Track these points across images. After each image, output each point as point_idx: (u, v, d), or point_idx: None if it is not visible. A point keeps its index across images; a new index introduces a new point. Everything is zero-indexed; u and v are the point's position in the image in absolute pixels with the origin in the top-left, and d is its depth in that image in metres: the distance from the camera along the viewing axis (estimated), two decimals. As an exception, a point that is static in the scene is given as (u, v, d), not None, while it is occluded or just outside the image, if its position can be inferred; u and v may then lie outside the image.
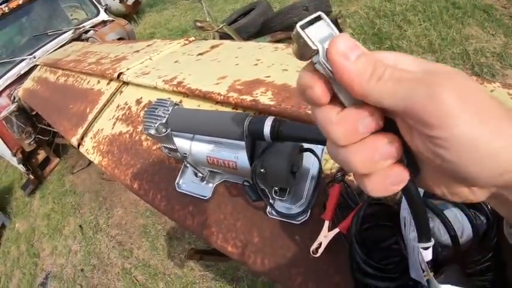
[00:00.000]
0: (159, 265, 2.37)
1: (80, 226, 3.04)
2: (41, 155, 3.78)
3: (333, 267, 0.65)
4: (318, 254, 0.64)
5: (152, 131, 0.73)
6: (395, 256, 0.53)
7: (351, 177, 0.69)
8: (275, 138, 0.54)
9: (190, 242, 2.29)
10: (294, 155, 0.63)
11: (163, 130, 0.72)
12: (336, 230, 0.63)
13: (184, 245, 2.30)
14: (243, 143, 0.60)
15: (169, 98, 0.76)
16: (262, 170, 0.61)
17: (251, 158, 0.62)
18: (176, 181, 0.87)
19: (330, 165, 0.73)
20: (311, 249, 0.64)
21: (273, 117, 0.54)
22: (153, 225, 2.61)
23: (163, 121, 0.72)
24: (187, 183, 0.87)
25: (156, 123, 0.72)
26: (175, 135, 0.74)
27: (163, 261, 2.37)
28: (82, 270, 2.74)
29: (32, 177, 3.72)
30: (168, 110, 0.72)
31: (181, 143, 0.75)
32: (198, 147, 0.72)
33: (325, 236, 0.64)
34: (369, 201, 0.54)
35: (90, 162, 3.46)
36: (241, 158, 0.64)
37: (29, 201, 3.79)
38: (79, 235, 2.99)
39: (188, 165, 0.78)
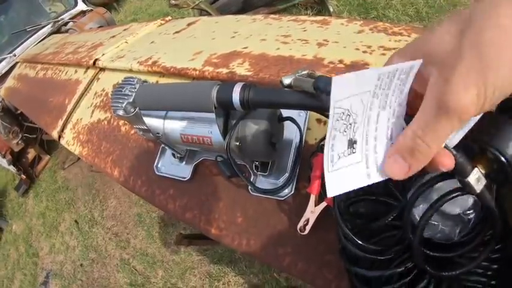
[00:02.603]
0: (156, 253, 2.35)
1: (76, 221, 3.01)
2: (31, 153, 3.72)
3: (323, 245, 0.60)
4: (306, 232, 0.60)
5: (120, 112, 0.68)
6: (392, 236, 0.48)
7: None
8: (246, 106, 0.48)
9: (185, 227, 2.26)
10: (272, 124, 0.57)
11: (131, 110, 0.66)
12: (323, 204, 0.58)
13: (180, 231, 2.27)
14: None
15: (137, 77, 0.71)
16: (237, 143, 0.56)
17: (224, 131, 0.57)
18: (155, 164, 0.82)
19: (316, 134, 0.68)
20: (298, 227, 0.60)
21: (242, 83, 0.49)
22: (147, 213, 2.58)
23: (131, 100, 0.66)
24: (167, 165, 0.82)
25: (123, 103, 0.67)
26: (146, 114, 0.69)
27: (160, 249, 2.35)
28: (81, 265, 2.72)
29: (24, 177, 3.67)
30: (135, 88, 0.67)
31: (154, 123, 0.69)
32: (171, 125, 0.67)
33: (312, 212, 0.60)
34: None
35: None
36: (215, 132, 0.59)
37: (24, 202, 3.75)
38: (75, 230, 2.96)
39: (164, 145, 0.73)
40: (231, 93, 0.48)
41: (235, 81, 0.50)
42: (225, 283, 2.04)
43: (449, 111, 0.25)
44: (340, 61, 0.78)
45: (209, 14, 2.45)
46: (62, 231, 3.09)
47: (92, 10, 3.68)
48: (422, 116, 0.28)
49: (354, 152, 0.31)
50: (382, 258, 0.44)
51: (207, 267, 2.12)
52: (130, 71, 1.16)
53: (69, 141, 1.28)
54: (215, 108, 0.51)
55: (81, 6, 3.69)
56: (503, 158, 0.31)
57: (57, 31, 3.42)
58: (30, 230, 3.41)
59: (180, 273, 2.18)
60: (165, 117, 0.69)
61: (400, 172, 0.30)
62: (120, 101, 0.67)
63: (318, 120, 0.69)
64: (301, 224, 0.59)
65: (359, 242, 0.43)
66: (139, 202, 2.67)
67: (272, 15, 1.14)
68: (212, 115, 0.55)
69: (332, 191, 0.32)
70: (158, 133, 0.69)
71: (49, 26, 3.44)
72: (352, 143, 0.31)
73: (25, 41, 3.31)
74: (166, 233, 2.39)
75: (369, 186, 0.53)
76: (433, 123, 0.27)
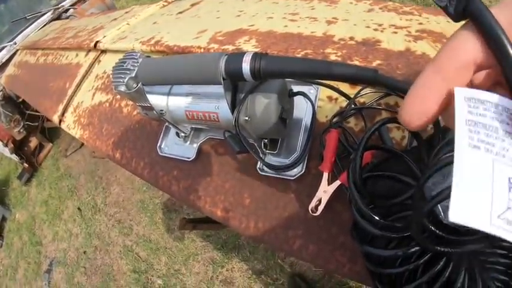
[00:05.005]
0: (159, 239, 2.34)
1: (79, 208, 3.01)
2: (33, 142, 3.70)
3: (336, 227, 0.57)
4: (318, 212, 0.57)
5: (122, 88, 0.64)
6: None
7: (349, 124, 0.62)
8: (257, 76, 0.45)
9: (189, 213, 2.25)
10: (283, 98, 0.54)
11: (134, 85, 0.63)
12: (337, 183, 0.55)
13: (183, 216, 2.27)
14: (222, 90, 0.52)
15: (139, 51, 0.67)
16: (246, 118, 0.53)
17: (233, 105, 0.54)
18: (158, 144, 0.79)
19: (327, 112, 0.65)
20: (310, 207, 0.57)
21: (253, 51, 0.46)
22: (150, 199, 2.56)
23: (133, 75, 0.63)
24: (170, 145, 0.79)
25: (125, 78, 0.64)
26: (149, 91, 0.66)
27: (163, 235, 2.34)
28: (85, 252, 2.72)
29: (26, 165, 3.66)
30: (138, 62, 0.64)
31: (157, 100, 0.66)
32: (175, 102, 0.64)
33: (325, 191, 0.57)
34: (366, 140, 0.42)
35: (82, 143, 3.39)
36: (222, 107, 0.56)
37: (26, 190, 3.75)
38: (78, 218, 2.95)
39: (167, 123, 0.70)
40: (241, 63, 0.45)
41: (244, 52, 0.47)
42: (229, 269, 2.03)
43: None
44: (351, 38, 0.75)
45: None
46: (65, 219, 3.09)
47: (92, -5, 3.62)
48: None
49: None
50: (396, 235, 0.42)
51: (211, 253, 2.11)
52: (133, 51, 1.13)
53: (70, 125, 1.25)
54: (223, 80, 0.48)
55: (82, -7, 3.64)
56: None
57: (58, 18, 3.38)
58: (33, 218, 3.41)
59: (184, 259, 2.17)
60: (169, 94, 0.66)
61: None
62: (122, 76, 0.64)
63: (329, 98, 0.66)
64: (313, 204, 0.57)
65: (373, 216, 0.41)
66: (142, 188, 2.66)
67: (278, -6, 1.10)
68: (219, 90, 0.52)
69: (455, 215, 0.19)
70: (162, 110, 0.66)
71: (49, 13, 3.41)
72: None
73: (25, 28, 3.29)
74: (170, 219, 2.38)
75: (387, 163, 0.50)
76: None
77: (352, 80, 0.40)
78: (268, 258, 1.96)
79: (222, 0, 1.25)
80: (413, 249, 0.42)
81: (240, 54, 0.46)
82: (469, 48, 0.21)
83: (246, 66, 0.45)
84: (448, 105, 0.22)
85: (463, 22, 0.23)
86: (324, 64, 0.40)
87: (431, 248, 0.39)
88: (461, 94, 0.20)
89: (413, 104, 0.22)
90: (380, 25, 0.77)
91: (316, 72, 0.39)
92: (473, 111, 0.20)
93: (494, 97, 0.21)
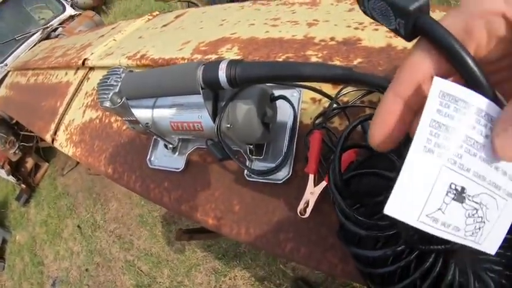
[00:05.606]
0: (161, 252, 2.34)
1: (78, 226, 3.00)
2: (29, 162, 3.71)
3: (325, 228, 0.58)
4: (307, 215, 0.57)
5: (107, 103, 0.65)
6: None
7: (333, 124, 0.62)
8: (234, 83, 0.46)
9: (188, 224, 2.25)
10: (264, 103, 0.55)
11: (118, 100, 0.64)
12: (323, 184, 0.56)
13: (183, 228, 2.27)
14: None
15: (122, 67, 0.68)
16: (228, 126, 0.53)
17: (214, 113, 0.55)
18: (148, 157, 0.80)
19: (311, 113, 0.66)
20: (298, 210, 0.57)
21: (229, 59, 0.46)
22: (149, 213, 2.56)
23: (117, 90, 0.64)
24: (160, 157, 0.79)
25: (109, 93, 0.64)
26: (134, 106, 0.66)
27: (164, 248, 2.34)
28: (87, 270, 2.71)
29: (24, 186, 3.66)
30: (121, 78, 0.65)
31: (142, 113, 0.67)
32: (160, 114, 0.65)
33: (312, 193, 0.57)
34: (342, 141, 0.41)
35: (78, 161, 3.39)
36: (204, 116, 0.57)
37: (25, 211, 3.74)
38: (78, 236, 2.95)
39: (155, 136, 0.71)
40: (217, 71, 0.46)
41: (221, 59, 0.47)
42: (232, 278, 2.03)
43: None
44: (332, 38, 0.75)
45: (197, 6, 2.43)
46: (65, 238, 3.08)
47: (80, 14, 3.66)
48: None
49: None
50: (381, 234, 0.42)
51: (212, 263, 2.11)
52: (120, 66, 1.14)
53: (63, 143, 1.26)
54: (202, 89, 0.49)
55: (70, 11, 3.68)
56: None
57: (47, 37, 3.42)
58: (33, 239, 3.40)
59: (186, 270, 2.17)
60: (153, 107, 0.66)
61: None
62: (106, 92, 0.65)
63: (313, 99, 0.67)
64: (301, 206, 0.57)
65: (357, 217, 0.41)
66: (140, 203, 2.66)
67: (260, 1, 1.11)
68: (200, 99, 0.52)
69: (389, 209, 0.21)
70: (147, 123, 0.66)
71: (38, 33, 3.44)
72: None
73: (16, 49, 3.32)
74: (169, 232, 2.38)
75: (371, 160, 0.51)
76: None
77: (325, 80, 0.41)
78: (270, 264, 1.95)
79: (205, 10, 1.26)
80: (400, 248, 0.42)
81: (216, 63, 0.47)
82: (426, 65, 0.21)
83: (222, 74, 0.45)
84: (413, 120, 0.22)
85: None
86: (297, 66, 0.41)
87: (417, 247, 0.39)
88: (439, 87, 0.20)
89: (378, 130, 0.22)
90: (361, 24, 0.78)
91: (288, 74, 0.40)
92: (443, 110, 0.20)
93: (471, 96, 0.20)
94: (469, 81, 0.20)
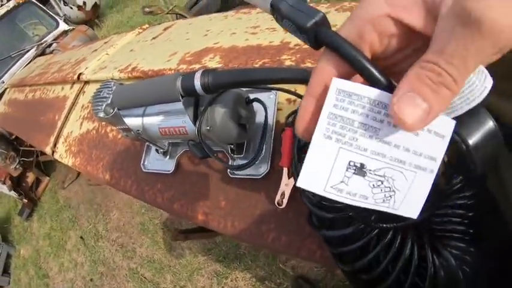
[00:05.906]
0: (163, 258, 2.38)
1: (81, 237, 3.05)
2: (30, 177, 3.76)
3: (303, 217, 0.63)
4: (284, 205, 0.63)
5: (101, 114, 0.72)
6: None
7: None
8: (208, 90, 0.52)
9: (187, 227, 2.30)
10: (240, 106, 0.61)
11: (110, 110, 0.70)
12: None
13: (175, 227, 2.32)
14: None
15: (114, 80, 0.75)
16: (208, 128, 0.59)
17: (195, 117, 0.61)
18: (141, 162, 0.86)
19: (287, 112, 0.71)
20: (276, 201, 0.63)
21: (202, 69, 0.53)
22: (150, 220, 2.61)
23: (109, 101, 0.70)
24: (152, 161, 0.86)
25: (102, 105, 0.71)
26: (126, 115, 0.73)
27: (166, 254, 2.38)
28: (91, 280, 2.75)
29: (26, 201, 3.70)
30: (112, 90, 0.71)
31: (133, 121, 0.73)
32: (149, 121, 0.71)
33: (287, 185, 0.63)
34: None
35: (78, 174, 3.44)
36: (187, 121, 0.63)
37: (28, 226, 3.78)
38: (82, 247, 2.99)
39: (147, 142, 0.77)
40: (192, 81, 0.52)
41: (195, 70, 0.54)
42: (233, 279, 2.07)
43: (482, 28, 0.18)
44: (306, 43, 0.81)
45: (185, 18, 2.49)
46: (69, 249, 3.13)
47: (74, 29, 3.72)
48: (441, 38, 0.21)
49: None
50: (343, 215, 0.47)
51: (214, 266, 2.15)
52: (113, 79, 1.20)
53: (62, 154, 1.32)
54: (182, 97, 0.55)
55: (63, 26, 3.74)
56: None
57: (42, 53, 3.47)
58: (37, 252, 3.44)
59: (188, 275, 2.21)
60: (143, 115, 0.72)
61: (416, 118, 0.22)
62: (100, 103, 0.71)
63: (288, 100, 0.73)
64: (278, 198, 0.63)
65: (312, 198, 0.46)
66: (140, 211, 2.71)
67: (243, 10, 1.18)
68: (182, 106, 0.59)
69: (301, 182, 0.26)
70: (138, 130, 0.73)
71: (33, 49, 3.49)
72: None
73: (11, 66, 3.37)
74: (170, 238, 2.42)
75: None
76: (460, 45, 0.20)
77: (291, 81, 0.47)
78: (270, 264, 2.00)
79: (192, 21, 1.33)
80: (361, 227, 0.48)
81: (192, 73, 0.53)
82: (329, 68, 0.26)
83: (197, 82, 0.52)
84: None
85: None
86: (263, 71, 0.47)
87: (371, 225, 0.45)
88: (335, 85, 0.25)
89: (299, 124, 0.27)
90: (335, 26, 0.84)
91: (252, 79, 0.46)
92: (339, 104, 0.25)
93: (363, 90, 0.25)
94: (364, 76, 0.25)
